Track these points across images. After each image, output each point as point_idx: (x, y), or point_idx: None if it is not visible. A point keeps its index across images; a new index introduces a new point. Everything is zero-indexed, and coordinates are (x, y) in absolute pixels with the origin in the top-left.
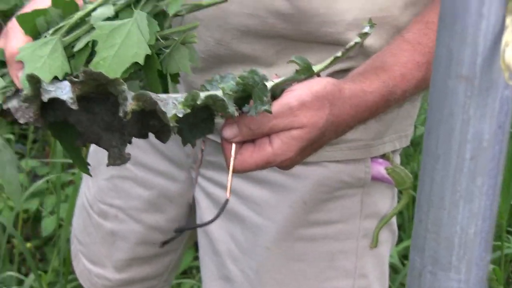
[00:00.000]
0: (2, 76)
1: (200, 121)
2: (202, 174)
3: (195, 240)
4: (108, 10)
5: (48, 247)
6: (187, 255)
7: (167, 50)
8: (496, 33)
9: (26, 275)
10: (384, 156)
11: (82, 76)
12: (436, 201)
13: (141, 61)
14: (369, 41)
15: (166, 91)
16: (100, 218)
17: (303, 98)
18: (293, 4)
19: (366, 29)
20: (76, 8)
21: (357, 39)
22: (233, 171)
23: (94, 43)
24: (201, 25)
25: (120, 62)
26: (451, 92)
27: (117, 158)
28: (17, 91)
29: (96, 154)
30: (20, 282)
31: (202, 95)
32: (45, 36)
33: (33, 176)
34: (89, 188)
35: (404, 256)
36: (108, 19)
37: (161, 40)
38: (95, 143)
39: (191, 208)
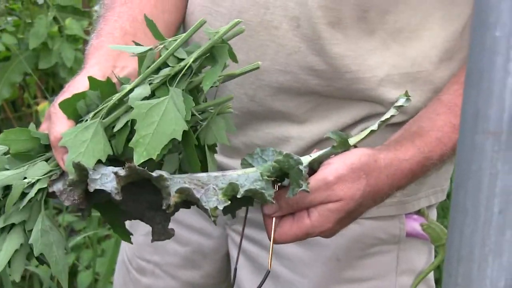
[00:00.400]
0: (47, 160)
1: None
2: (236, 230)
3: None
4: (145, 90)
5: None
6: None
7: (204, 123)
8: None
9: None
10: (419, 212)
11: (127, 170)
12: (465, 255)
13: (179, 137)
14: None
15: (204, 161)
16: (138, 273)
17: (339, 172)
18: (325, 60)
19: (401, 101)
20: (113, 86)
21: (393, 111)
22: (274, 243)
23: (133, 121)
24: (234, 82)
25: (159, 140)
26: (478, 147)
27: (162, 234)
28: (62, 174)
29: None
30: None
31: (242, 189)
32: (86, 120)
33: (70, 231)
34: (128, 244)
35: None
36: (145, 98)
37: (197, 114)
38: (139, 219)
39: (227, 263)
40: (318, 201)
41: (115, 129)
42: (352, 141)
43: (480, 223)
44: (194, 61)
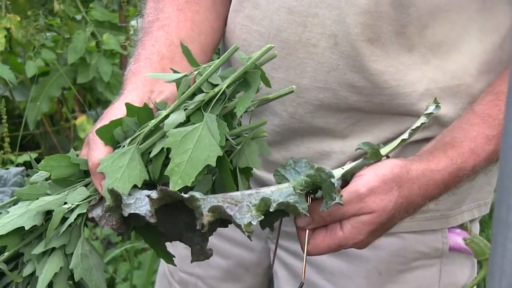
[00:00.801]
0: (87, 185)
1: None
2: (279, 244)
3: None
4: (180, 116)
5: None
6: None
7: (238, 147)
8: None
9: None
10: (462, 226)
11: (159, 193)
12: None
13: (213, 163)
14: (444, 111)
15: (237, 183)
16: (180, 286)
17: (371, 184)
18: (365, 77)
19: (431, 108)
20: (150, 112)
21: (424, 119)
22: (307, 255)
23: (168, 148)
24: (275, 100)
25: (193, 167)
26: None
27: (200, 254)
28: (101, 199)
29: None
30: None
31: (274, 204)
32: (123, 146)
33: (107, 243)
34: None
35: None
36: (180, 124)
37: (231, 140)
38: (178, 240)
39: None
40: (351, 213)
41: (152, 155)
42: (383, 151)
43: None
44: (227, 87)
